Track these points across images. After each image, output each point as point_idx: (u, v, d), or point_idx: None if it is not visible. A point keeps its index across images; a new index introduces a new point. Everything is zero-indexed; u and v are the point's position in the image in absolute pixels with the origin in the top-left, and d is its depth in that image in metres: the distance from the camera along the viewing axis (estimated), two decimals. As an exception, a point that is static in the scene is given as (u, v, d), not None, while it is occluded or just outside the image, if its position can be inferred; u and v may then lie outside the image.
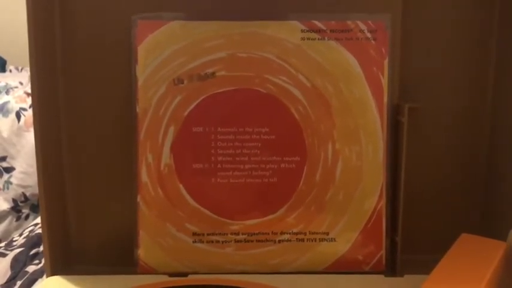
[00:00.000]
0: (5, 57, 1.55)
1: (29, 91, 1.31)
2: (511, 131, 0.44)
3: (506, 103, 0.45)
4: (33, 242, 0.63)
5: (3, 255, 0.60)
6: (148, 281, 0.42)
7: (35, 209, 1.18)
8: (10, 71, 1.53)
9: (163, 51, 0.43)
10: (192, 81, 0.43)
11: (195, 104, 0.43)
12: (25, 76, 1.38)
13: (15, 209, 1.15)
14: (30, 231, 0.69)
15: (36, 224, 0.72)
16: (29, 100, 1.24)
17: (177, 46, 0.43)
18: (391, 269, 0.45)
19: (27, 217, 1.18)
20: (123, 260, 0.44)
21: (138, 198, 0.43)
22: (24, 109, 1.18)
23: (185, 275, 0.43)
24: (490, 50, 0.46)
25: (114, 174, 0.45)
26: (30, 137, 1.16)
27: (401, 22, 0.44)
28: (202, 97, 0.43)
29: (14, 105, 1.16)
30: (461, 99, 0.46)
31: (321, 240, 0.44)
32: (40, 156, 0.42)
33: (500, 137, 0.45)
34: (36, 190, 1.15)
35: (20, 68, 1.52)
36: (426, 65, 0.45)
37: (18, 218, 1.15)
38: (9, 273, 0.56)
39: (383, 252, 0.44)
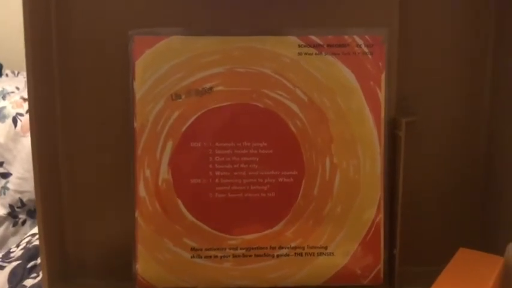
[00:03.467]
0: (1, 61, 1.55)
1: (26, 96, 1.31)
2: (507, 143, 0.44)
3: (502, 115, 0.45)
4: (30, 254, 0.62)
5: (1, 267, 0.60)
6: (147, 297, 0.42)
7: (31, 214, 1.17)
8: (7, 75, 1.53)
9: (161, 67, 0.42)
10: (190, 96, 0.43)
11: (193, 119, 0.43)
12: (21, 81, 1.38)
13: (12, 214, 1.14)
14: (28, 242, 0.68)
15: (33, 235, 0.71)
16: (26, 105, 1.24)
17: (174, 61, 0.43)
18: (389, 282, 0.45)
19: (24, 223, 1.17)
20: (122, 274, 0.44)
21: (136, 213, 0.43)
22: (21, 114, 1.17)
23: (183, 290, 0.43)
24: (486, 63, 0.46)
25: (112, 188, 0.45)
26: (26, 142, 1.15)
27: (398, 36, 0.44)
28: (200, 112, 0.43)
29: (11, 111, 1.16)
30: (458, 112, 0.46)
31: (319, 254, 0.44)
32: (37, 170, 0.42)
33: (497, 149, 0.46)
34: (33, 195, 1.14)
35: (16, 72, 1.52)
36: (423, 78, 0.46)
37: (15, 224, 1.15)
38: (6, 287, 0.56)
39: (381, 265, 0.44)
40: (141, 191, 0.43)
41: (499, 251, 0.39)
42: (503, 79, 0.45)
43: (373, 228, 0.44)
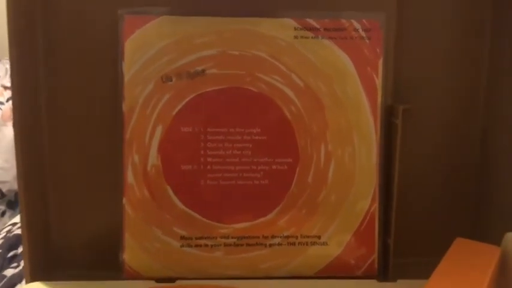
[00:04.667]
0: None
1: (6, 84, 1.28)
2: (503, 133, 0.44)
3: (499, 103, 0.44)
4: (10, 243, 0.60)
5: (-21, 257, 0.58)
6: (134, 287, 0.40)
7: (11, 205, 1.15)
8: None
9: (151, 48, 0.41)
10: (181, 79, 0.41)
11: (184, 102, 0.41)
12: (2, 69, 1.34)
13: (-9, 205, 1.12)
14: (8, 232, 0.66)
15: (14, 224, 0.69)
16: (6, 94, 1.21)
17: (165, 42, 0.41)
18: (383, 273, 0.44)
19: (3, 214, 1.15)
20: (108, 264, 0.42)
21: (124, 200, 0.42)
22: (1, 103, 1.15)
23: (173, 280, 0.42)
24: (484, 51, 0.45)
25: (99, 174, 0.44)
26: (7, 131, 1.13)
27: (395, 21, 0.43)
28: (192, 95, 0.41)
29: (-10, 99, 1.13)
30: (455, 100, 0.46)
31: (313, 243, 0.43)
32: (20, 155, 0.40)
33: (493, 138, 0.45)
34: (13, 186, 1.13)
35: (-4, 60, 1.48)
36: (420, 66, 0.45)
37: (-6, 215, 1.12)
38: (-15, 276, 0.54)
39: (375, 255, 0.43)
40: (129, 177, 0.42)
41: (493, 240, 0.39)
42: (500, 65, 0.44)
43: (367, 218, 0.43)
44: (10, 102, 1.22)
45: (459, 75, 0.45)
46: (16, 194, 1.14)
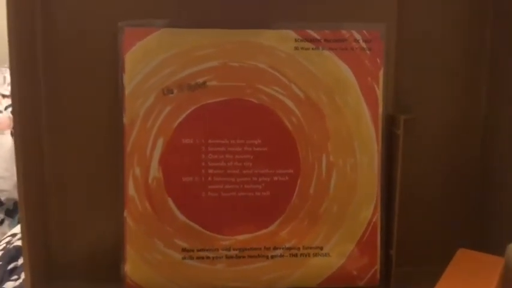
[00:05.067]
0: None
1: (4, 92, 1.28)
2: (505, 141, 0.44)
3: (500, 112, 0.44)
4: (10, 255, 0.60)
5: (-21, 269, 0.58)
6: (136, 300, 0.40)
7: (10, 213, 1.14)
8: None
9: (152, 60, 0.41)
10: (182, 91, 0.41)
11: (184, 114, 0.41)
12: None
13: (-10, 214, 1.11)
14: (8, 243, 0.66)
15: (13, 235, 0.69)
16: (5, 102, 1.21)
17: (166, 54, 0.41)
18: (385, 283, 0.44)
19: (2, 222, 1.14)
20: (109, 276, 0.42)
21: (125, 213, 0.42)
22: (-1, 111, 1.14)
23: (174, 292, 0.42)
24: (483, 60, 0.45)
25: (100, 186, 0.43)
26: (5, 139, 1.12)
27: (396, 32, 0.43)
28: (193, 108, 0.41)
29: (-12, 108, 1.13)
30: (455, 109, 0.46)
31: (315, 255, 0.43)
32: (21, 167, 0.40)
33: (495, 146, 0.45)
34: (12, 195, 1.12)
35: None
36: (420, 75, 0.45)
37: (-7, 223, 1.12)
38: (-15, 290, 0.54)
39: (378, 266, 0.43)
40: (131, 189, 0.41)
41: (497, 250, 0.39)
42: (500, 76, 0.44)
43: (369, 228, 0.43)
44: (8, 110, 1.22)
45: (459, 84, 0.45)
46: (15, 202, 1.13)
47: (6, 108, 1.22)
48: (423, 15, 0.44)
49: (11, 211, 1.16)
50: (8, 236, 0.70)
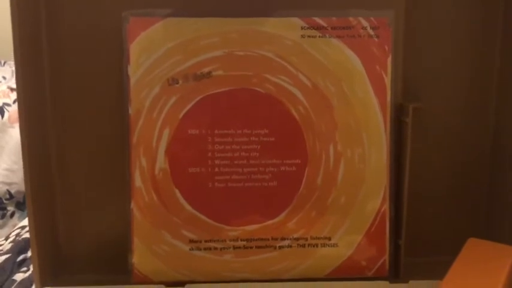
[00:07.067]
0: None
1: (13, 86, 1.28)
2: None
3: (510, 100, 0.43)
4: (20, 247, 0.60)
5: (-11, 261, 0.58)
6: (143, 291, 0.40)
7: (20, 206, 1.15)
8: (-7, 63, 1.49)
9: (156, 50, 0.40)
10: (188, 81, 0.41)
11: (190, 105, 0.41)
12: (8, 70, 1.34)
13: (0, 206, 1.12)
14: (17, 235, 0.66)
15: (23, 227, 0.69)
16: (13, 95, 1.21)
17: (171, 44, 0.40)
18: (394, 273, 0.43)
19: (12, 215, 1.15)
20: (117, 268, 0.42)
21: (132, 204, 0.42)
22: (8, 104, 1.15)
23: (182, 284, 0.42)
24: (494, 48, 0.44)
25: (106, 178, 0.43)
26: (14, 132, 1.13)
27: (404, 19, 0.42)
28: (198, 98, 0.41)
29: (-2, 101, 1.13)
30: (465, 98, 0.45)
31: (323, 245, 0.42)
32: (27, 160, 0.40)
33: (505, 136, 0.44)
34: (21, 187, 1.13)
35: (2, 62, 1.48)
36: (429, 63, 0.44)
37: (3, 216, 1.13)
38: (-5, 281, 0.54)
39: (386, 256, 0.43)
40: (137, 180, 0.41)
41: (505, 239, 0.38)
42: (511, 63, 0.43)
43: (378, 219, 0.43)
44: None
45: (469, 72, 0.45)
46: (25, 195, 1.13)
47: (14, 102, 1.23)
48: (432, 1, 0.43)
49: (21, 204, 1.17)
50: (18, 228, 0.70)
